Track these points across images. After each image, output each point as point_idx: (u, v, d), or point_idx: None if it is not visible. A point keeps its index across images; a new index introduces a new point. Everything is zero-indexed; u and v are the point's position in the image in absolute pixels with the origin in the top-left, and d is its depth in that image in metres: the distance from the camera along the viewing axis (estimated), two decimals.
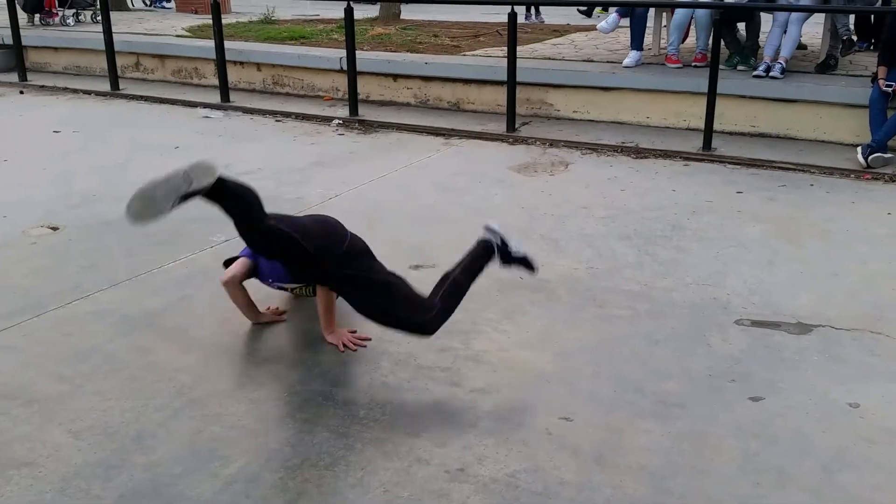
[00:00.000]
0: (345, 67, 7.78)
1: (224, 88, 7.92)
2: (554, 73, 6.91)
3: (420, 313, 2.90)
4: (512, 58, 6.37)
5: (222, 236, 4.38)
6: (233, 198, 2.78)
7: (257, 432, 2.64)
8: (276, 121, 7.39)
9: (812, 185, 5.21)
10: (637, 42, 7.00)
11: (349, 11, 7.01)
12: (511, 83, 6.42)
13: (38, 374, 2.99)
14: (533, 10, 13.35)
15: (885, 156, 5.33)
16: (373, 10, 12.51)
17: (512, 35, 6.34)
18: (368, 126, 7.03)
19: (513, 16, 6.36)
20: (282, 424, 2.69)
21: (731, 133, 6.18)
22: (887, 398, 2.78)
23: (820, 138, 5.99)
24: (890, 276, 3.80)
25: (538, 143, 6.30)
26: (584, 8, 11.83)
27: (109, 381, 2.95)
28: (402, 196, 5.10)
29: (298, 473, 2.42)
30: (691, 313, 3.46)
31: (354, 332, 3.25)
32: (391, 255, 4.19)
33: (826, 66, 6.44)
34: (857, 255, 4.05)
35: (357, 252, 3.01)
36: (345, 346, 3.17)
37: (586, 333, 3.29)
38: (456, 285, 3.02)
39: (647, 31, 7.26)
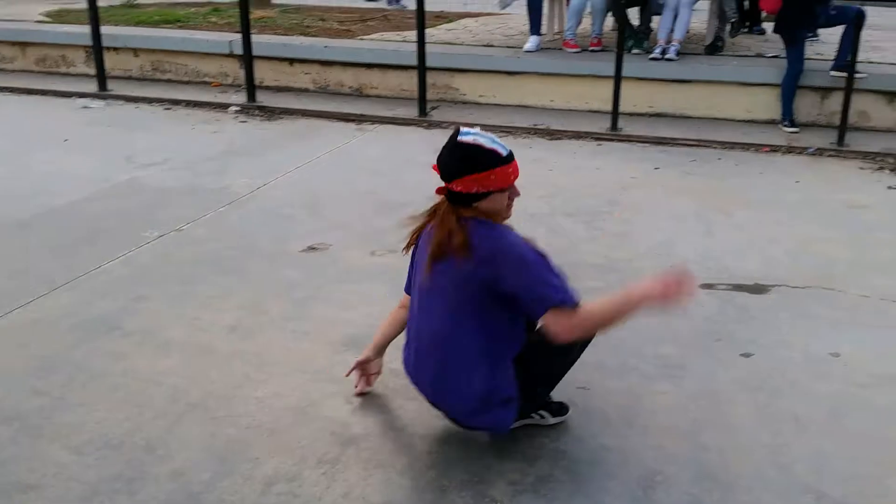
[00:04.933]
0: (235, 51, 7.50)
1: (101, 76, 7.39)
2: (460, 58, 6.94)
3: None
4: (421, 42, 6.34)
5: (154, 231, 4.11)
6: None
7: (277, 430, 2.51)
8: (165, 109, 6.98)
9: (720, 158, 5.54)
10: (535, 27, 7.15)
11: None
12: (421, 67, 6.39)
13: (8, 389, 2.69)
14: None
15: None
16: None
17: (420, 19, 6.31)
18: (271, 112, 6.78)
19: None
20: (301, 421, 2.56)
21: (631, 114, 6.44)
22: (862, 346, 3.02)
23: (715, 116, 6.37)
24: (818, 237, 4.11)
25: (453, 127, 6.30)
26: None
27: (91, 391, 2.71)
28: (336, 182, 4.97)
29: (342, 466, 2.33)
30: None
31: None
32: (347, 241, 4.12)
33: (714, 48, 6.85)
34: (783, 220, 4.36)
35: None
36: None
37: None
38: None
39: (544, 16, 7.43)
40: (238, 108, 6.90)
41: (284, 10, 9.95)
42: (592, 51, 7.01)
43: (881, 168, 5.25)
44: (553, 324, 2.14)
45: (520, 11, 8.99)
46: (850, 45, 5.71)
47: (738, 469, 2.33)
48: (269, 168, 5.25)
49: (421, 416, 2.54)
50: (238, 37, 7.13)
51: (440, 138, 5.88)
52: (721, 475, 2.31)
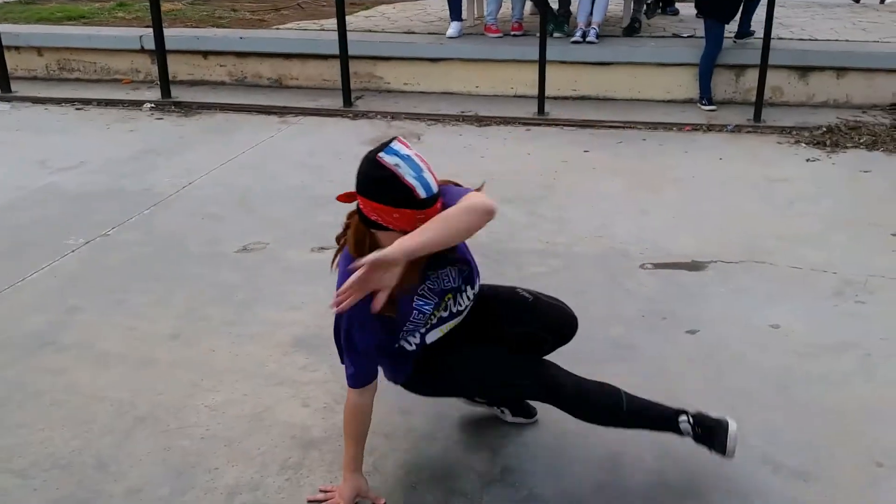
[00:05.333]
0: (146, 47, 7.23)
1: (4, 77, 7.01)
2: (382, 46, 6.86)
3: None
4: (342, 30, 6.23)
5: (80, 238, 3.93)
6: None
7: (234, 439, 2.43)
8: (77, 109, 6.67)
9: (644, 139, 5.65)
10: (456, 13, 7.12)
11: None
12: (343, 57, 6.29)
13: None
14: None
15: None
16: None
17: (340, 7, 6.20)
18: (187, 108, 6.57)
19: None
20: (257, 427, 2.49)
21: (555, 98, 6.50)
22: (798, 317, 3.13)
23: (636, 97, 6.49)
24: (746, 212, 4.24)
25: (379, 116, 6.24)
26: None
27: (31, 411, 2.57)
28: (265, 179, 4.85)
29: (306, 470, 2.28)
30: (599, 263, 3.66)
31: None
32: (285, 239, 4.01)
33: (632, 30, 6.97)
34: (711, 197, 4.48)
35: None
36: None
37: None
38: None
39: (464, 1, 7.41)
40: (153, 105, 6.66)
41: (193, 2, 9.62)
42: (514, 35, 7.03)
43: (797, 142, 5.45)
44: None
45: None
46: (751, 14, 5.96)
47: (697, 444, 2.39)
48: (192, 166, 5.08)
49: (383, 415, 2.50)
50: (149, 31, 6.88)
51: (368, 129, 5.91)
52: (681, 451, 2.35)
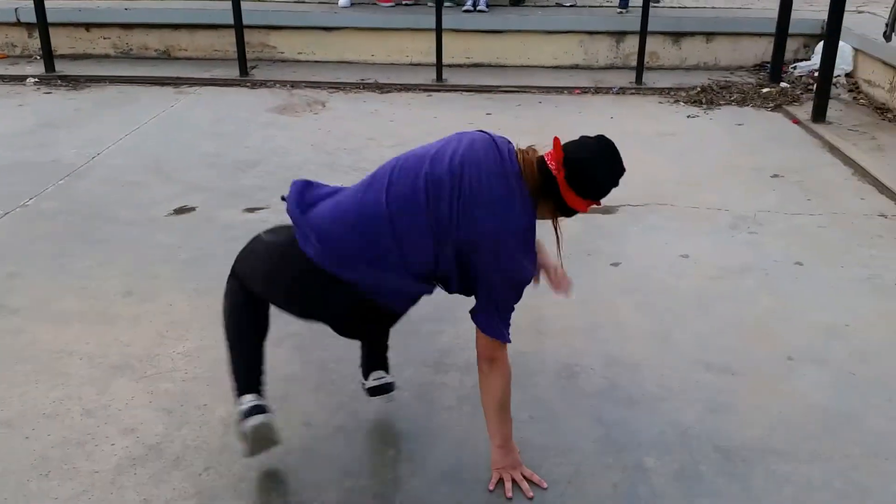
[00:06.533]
0: (22, 19, 6.92)
1: None
2: (274, 15, 6.86)
3: None
4: None
5: None
6: None
7: (216, 379, 2.53)
8: None
9: (540, 102, 5.99)
10: None
11: None
12: (238, 26, 6.26)
13: None
14: None
15: None
16: None
17: None
18: (75, 81, 6.35)
19: None
20: None
21: (450, 66, 6.73)
22: (703, 247, 3.53)
23: (526, 64, 6.83)
24: (643, 162, 4.61)
25: (278, 85, 6.27)
26: None
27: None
28: (177, 147, 4.82)
29: (291, 400, 2.41)
30: None
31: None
32: (214, 201, 4.03)
33: (518, 0, 7.30)
34: None
35: None
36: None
37: None
38: None
39: None
40: (37, 80, 6.39)
41: None
42: (406, 5, 7.21)
43: (676, 101, 5.95)
44: (482, 341, 2.03)
45: None
46: None
47: (638, 354, 2.70)
48: (96, 137, 4.98)
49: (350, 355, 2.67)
50: (25, 3, 6.58)
51: (270, 97, 5.99)
52: (626, 360, 2.67)
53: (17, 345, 2.71)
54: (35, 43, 6.87)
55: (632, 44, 6.52)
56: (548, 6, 7.32)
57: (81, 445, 2.21)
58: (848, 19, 5.44)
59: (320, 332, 2.26)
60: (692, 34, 6.71)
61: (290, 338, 2.70)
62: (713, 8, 7.30)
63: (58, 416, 2.34)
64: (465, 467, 2.17)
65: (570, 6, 7.25)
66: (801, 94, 5.95)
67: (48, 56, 6.46)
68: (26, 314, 2.91)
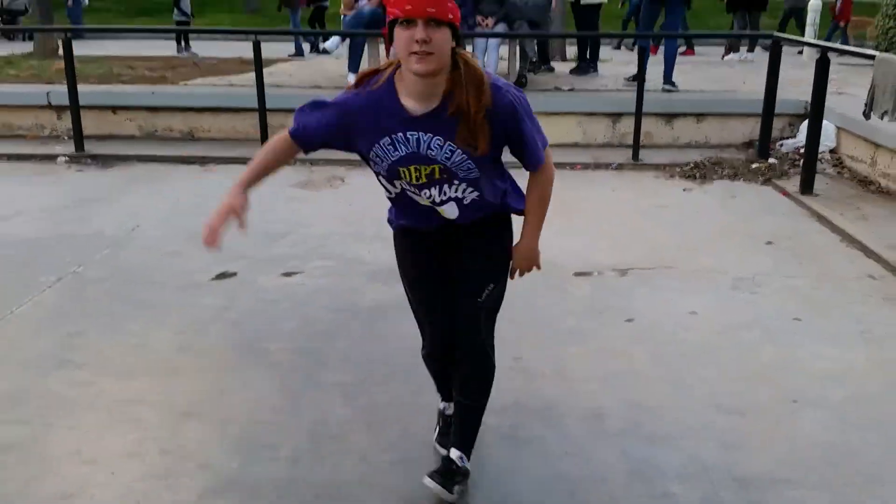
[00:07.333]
0: (53, 102, 7.33)
1: None
2: (294, 99, 7.14)
3: None
4: (260, 84, 6.65)
5: (50, 276, 4.11)
6: None
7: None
8: None
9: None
10: (355, 66, 7.71)
11: (68, 42, 6.67)
12: (262, 108, 6.69)
13: None
14: (184, 43, 13.37)
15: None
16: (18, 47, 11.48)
17: (258, 62, 6.63)
18: (104, 160, 6.70)
19: (256, 43, 6.67)
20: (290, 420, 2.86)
21: None
22: (708, 305, 3.84)
23: None
24: (645, 231, 4.98)
25: (298, 163, 6.61)
26: None
27: (75, 415, 2.81)
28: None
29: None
30: (539, 273, 4.24)
31: None
32: (252, 268, 4.31)
33: (520, 84, 7.79)
34: (614, 221, 5.20)
35: None
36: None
37: None
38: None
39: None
40: (67, 159, 6.75)
41: (83, 61, 9.67)
42: None
43: (672, 176, 6.35)
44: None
45: (326, 57, 9.62)
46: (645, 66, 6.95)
47: (656, 398, 2.98)
48: (132, 211, 5.30)
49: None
50: (53, 87, 7.04)
51: (291, 174, 6.37)
52: (644, 403, 2.94)
53: (86, 396, 2.96)
54: (63, 124, 7.27)
55: (627, 123, 6.97)
56: (547, 90, 7.81)
57: (163, 479, 2.45)
58: (829, 100, 5.89)
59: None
60: (684, 115, 7.17)
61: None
62: (702, 91, 7.82)
63: (137, 455, 2.58)
64: (509, 494, 2.42)
65: (568, 90, 7.75)
66: (789, 168, 6.37)
67: (78, 136, 6.85)
68: (91, 369, 3.17)
